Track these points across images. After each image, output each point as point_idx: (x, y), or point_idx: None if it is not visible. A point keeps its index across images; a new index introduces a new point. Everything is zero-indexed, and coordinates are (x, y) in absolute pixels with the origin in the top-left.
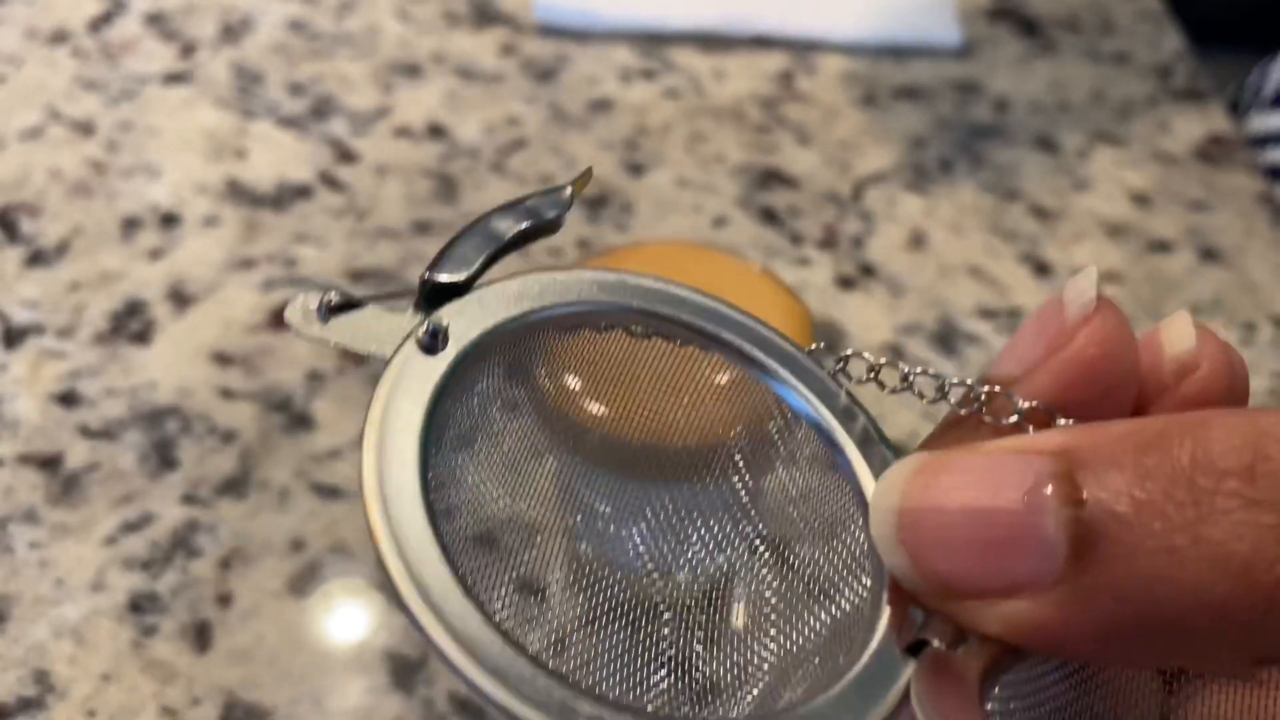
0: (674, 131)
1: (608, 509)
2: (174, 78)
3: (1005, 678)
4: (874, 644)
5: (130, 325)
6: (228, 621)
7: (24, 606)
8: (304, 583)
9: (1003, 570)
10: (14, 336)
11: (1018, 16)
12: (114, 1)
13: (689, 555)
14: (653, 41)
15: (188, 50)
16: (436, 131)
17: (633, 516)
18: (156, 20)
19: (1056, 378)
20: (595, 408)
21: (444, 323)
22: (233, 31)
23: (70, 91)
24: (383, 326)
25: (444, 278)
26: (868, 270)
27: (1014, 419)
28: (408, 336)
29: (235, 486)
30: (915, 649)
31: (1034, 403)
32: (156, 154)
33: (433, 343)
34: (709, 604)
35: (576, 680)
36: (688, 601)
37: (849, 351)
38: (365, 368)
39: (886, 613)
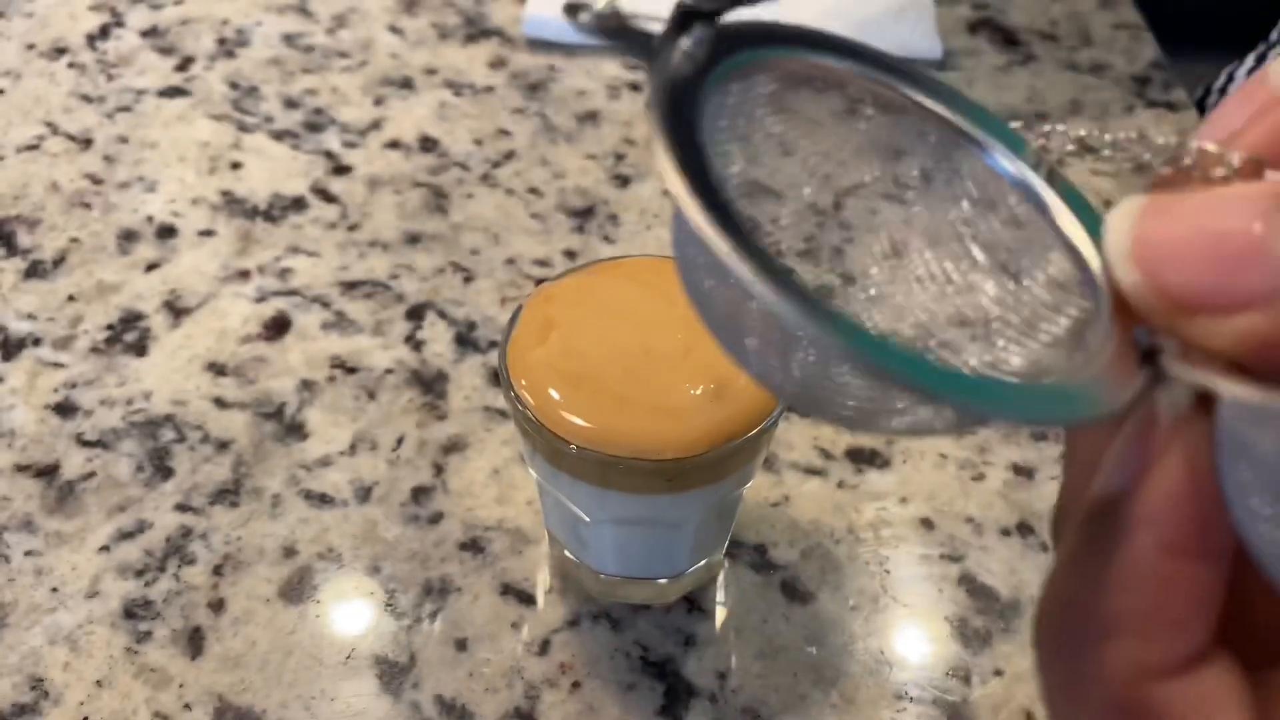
0: None
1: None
2: (170, 91)
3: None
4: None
5: (126, 336)
6: (220, 628)
7: (19, 613)
8: (295, 589)
9: (1236, 284)
10: (11, 347)
11: (997, 28)
12: (112, 16)
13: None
14: None
15: (184, 64)
16: (428, 143)
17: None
18: (153, 34)
19: (1265, 136)
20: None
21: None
22: (228, 45)
23: (68, 105)
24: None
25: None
26: (848, 281)
27: (1222, 172)
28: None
29: (228, 495)
30: (1148, 358)
31: (1245, 156)
32: (153, 167)
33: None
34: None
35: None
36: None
37: (1049, 127)
38: (356, 376)
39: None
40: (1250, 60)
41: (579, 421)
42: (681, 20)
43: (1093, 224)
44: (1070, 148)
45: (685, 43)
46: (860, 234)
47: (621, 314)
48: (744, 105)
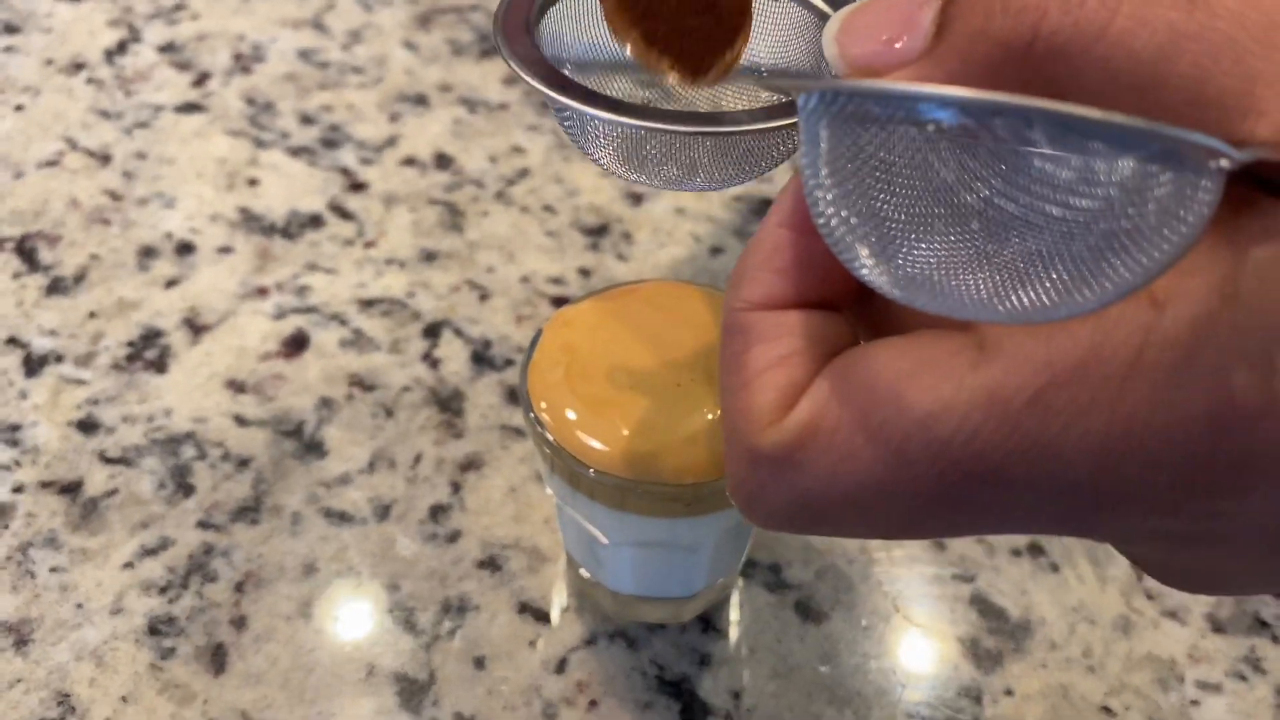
0: None
1: None
2: (187, 107)
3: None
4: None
5: (147, 353)
6: (242, 644)
7: (46, 630)
8: (315, 606)
9: (894, 51)
10: (34, 364)
11: None
12: (129, 31)
13: None
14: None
15: (201, 79)
16: (443, 160)
17: None
18: (170, 50)
19: None
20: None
21: None
22: (244, 61)
23: (86, 120)
24: None
25: None
26: None
27: None
28: None
29: (249, 512)
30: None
31: None
32: (170, 183)
33: None
34: None
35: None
36: None
37: None
38: (374, 393)
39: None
40: None
41: (598, 445)
42: None
43: None
44: None
45: None
46: None
47: (639, 338)
48: None
